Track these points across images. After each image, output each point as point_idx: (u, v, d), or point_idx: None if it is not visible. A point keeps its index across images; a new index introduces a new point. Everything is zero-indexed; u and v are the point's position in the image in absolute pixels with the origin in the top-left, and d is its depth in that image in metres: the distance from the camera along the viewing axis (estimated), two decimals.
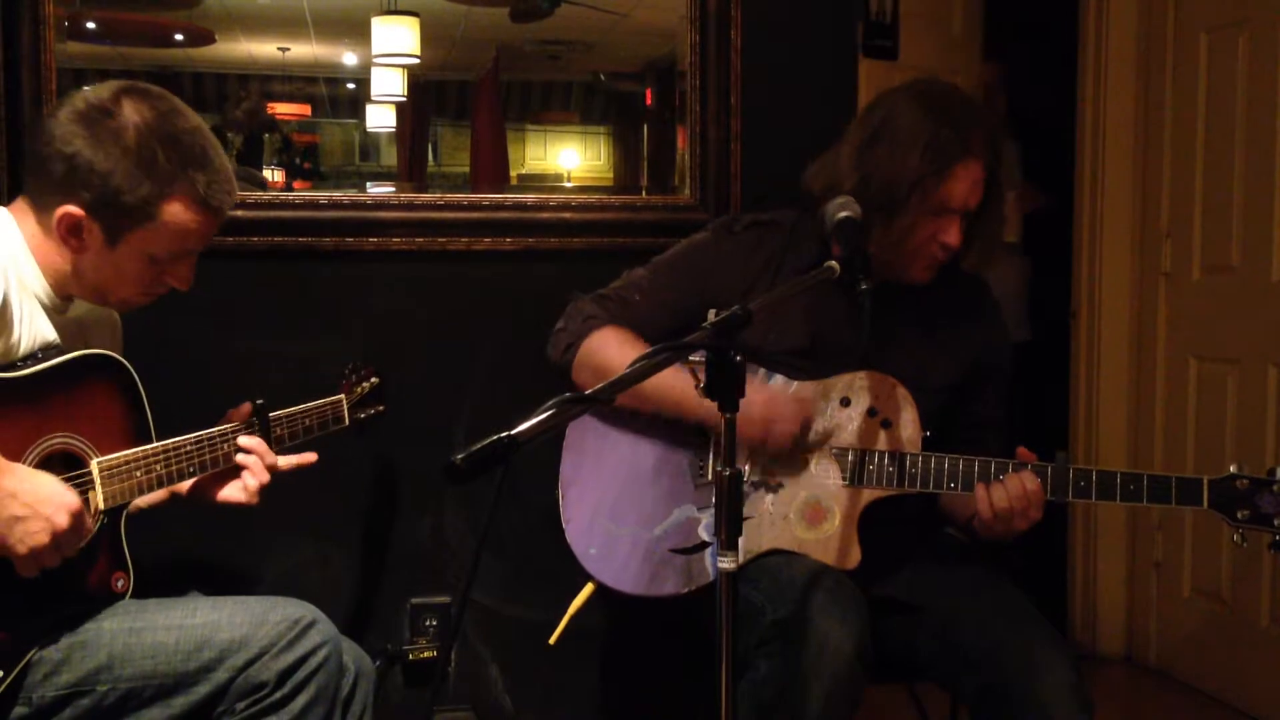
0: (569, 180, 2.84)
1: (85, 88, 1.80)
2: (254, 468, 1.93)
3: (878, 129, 2.06)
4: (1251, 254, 3.48)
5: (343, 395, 2.15)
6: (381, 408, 2.26)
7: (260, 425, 1.96)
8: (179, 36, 2.57)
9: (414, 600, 2.63)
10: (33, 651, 1.68)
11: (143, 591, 1.84)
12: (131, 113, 1.73)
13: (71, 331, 1.84)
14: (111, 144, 1.71)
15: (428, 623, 2.62)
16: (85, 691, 1.70)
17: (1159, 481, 1.93)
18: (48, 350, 1.75)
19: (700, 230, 2.32)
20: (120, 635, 1.73)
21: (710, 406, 2.01)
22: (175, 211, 1.75)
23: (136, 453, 1.78)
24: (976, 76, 4.20)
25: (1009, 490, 1.97)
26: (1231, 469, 1.92)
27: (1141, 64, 3.90)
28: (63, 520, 1.60)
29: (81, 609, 1.75)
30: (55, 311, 1.81)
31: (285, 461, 1.98)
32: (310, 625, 1.78)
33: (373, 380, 2.24)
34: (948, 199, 2.01)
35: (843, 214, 1.92)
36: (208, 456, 1.89)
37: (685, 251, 2.27)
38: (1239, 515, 1.90)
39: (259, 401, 1.97)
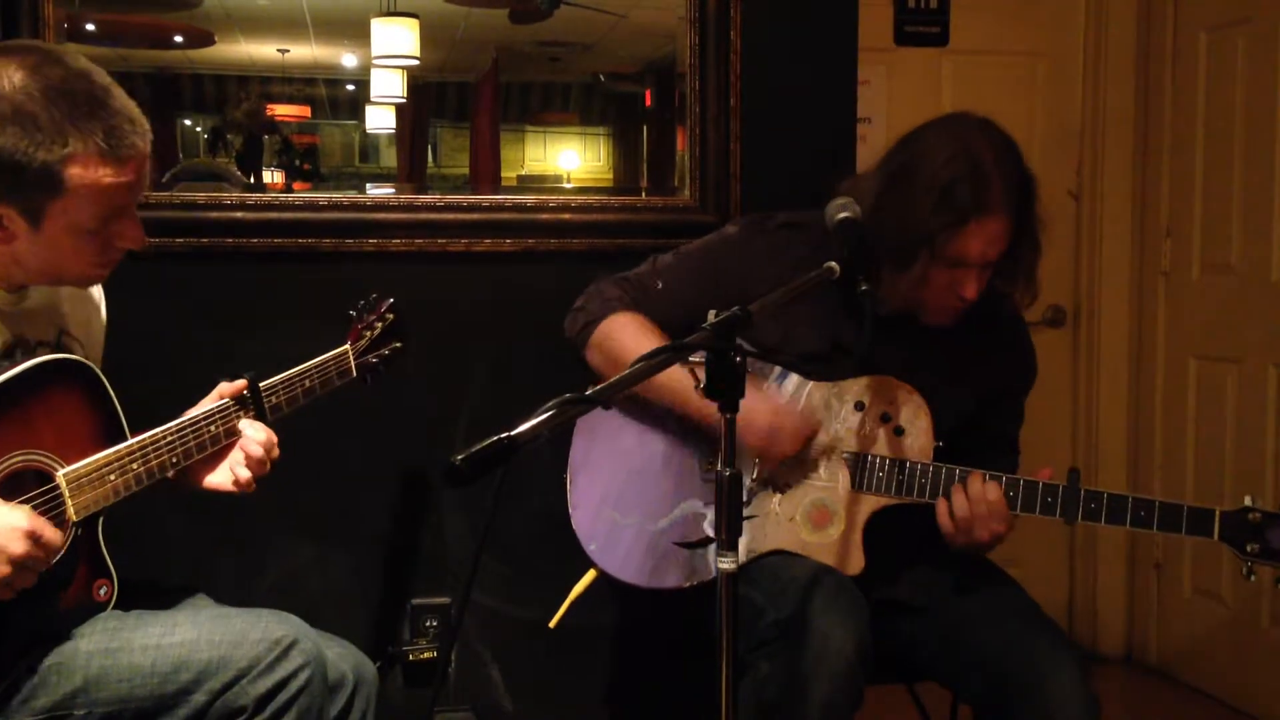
0: (569, 181, 2.84)
1: None
2: (253, 459, 1.81)
3: (901, 168, 2.00)
4: (1251, 253, 3.48)
5: (348, 345, 2.01)
6: (399, 345, 2.10)
7: (253, 399, 1.85)
8: (178, 38, 2.57)
9: (414, 601, 2.63)
10: (8, 676, 1.63)
11: (136, 595, 1.79)
12: (1, 77, 1.55)
13: (38, 323, 1.75)
14: None
15: (428, 623, 2.62)
16: (62, 715, 1.65)
17: (1170, 509, 1.91)
18: None
19: (729, 224, 2.31)
20: (96, 657, 1.66)
21: (710, 406, 2.03)
22: (80, 173, 1.58)
23: (107, 455, 1.68)
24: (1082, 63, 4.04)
25: (970, 495, 1.96)
26: (1245, 501, 1.89)
27: (1141, 63, 3.90)
28: (17, 547, 1.52)
29: (62, 624, 1.69)
30: (9, 305, 1.71)
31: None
32: (291, 645, 1.69)
33: (387, 317, 2.09)
34: (962, 255, 1.95)
35: (842, 214, 1.92)
36: (192, 444, 1.77)
37: (715, 245, 2.24)
38: (1249, 549, 1.88)
39: (250, 374, 1.86)
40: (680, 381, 2.06)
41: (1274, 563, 1.88)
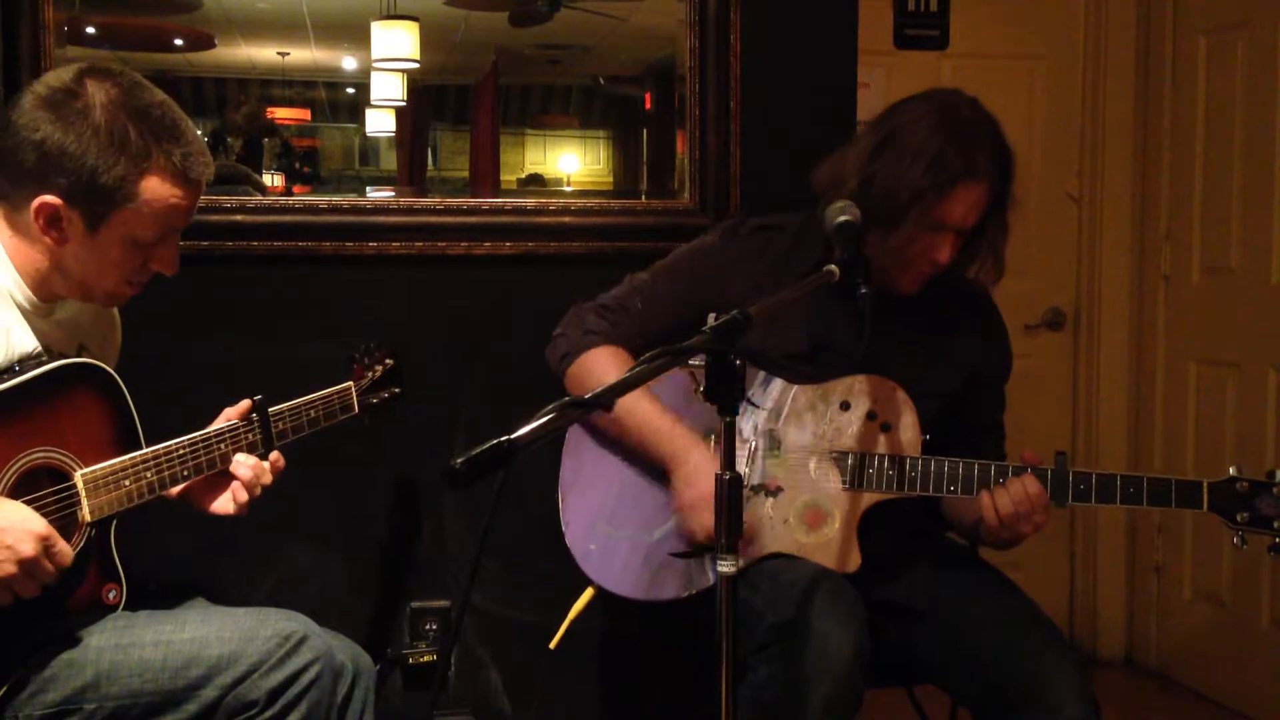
0: (569, 184, 2.84)
1: (46, 74, 1.75)
2: (248, 484, 1.87)
3: (888, 136, 2.05)
4: (1251, 256, 3.49)
5: (351, 382, 2.08)
6: (398, 390, 2.19)
7: (261, 422, 1.90)
8: (179, 41, 2.57)
9: (414, 604, 2.63)
10: (19, 671, 1.65)
11: (141, 597, 1.81)
12: (96, 91, 1.67)
13: (61, 335, 1.80)
14: (81, 124, 1.65)
15: (427, 627, 2.62)
16: (72, 710, 1.67)
17: (1159, 484, 1.93)
18: (25, 362, 1.70)
19: (704, 234, 2.32)
20: (107, 652, 1.69)
21: (673, 446, 2.05)
22: (154, 187, 1.69)
23: (124, 461, 1.74)
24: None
25: (1012, 495, 1.96)
26: (1231, 471, 1.92)
27: (1140, 67, 3.90)
28: (28, 548, 1.55)
29: (71, 624, 1.71)
30: (39, 315, 1.76)
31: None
32: (301, 641, 1.73)
33: (387, 363, 2.16)
34: (945, 216, 2.00)
35: (842, 218, 1.92)
36: (203, 459, 1.83)
37: (689, 255, 2.26)
38: (1239, 518, 1.90)
39: (258, 397, 1.91)
40: (649, 420, 2.08)
41: (1265, 530, 1.90)
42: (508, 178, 2.79)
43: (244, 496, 1.86)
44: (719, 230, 2.29)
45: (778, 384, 2.12)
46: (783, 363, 2.12)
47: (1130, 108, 3.92)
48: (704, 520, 2.00)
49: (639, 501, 2.14)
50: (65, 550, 1.62)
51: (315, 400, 2.00)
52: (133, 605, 1.79)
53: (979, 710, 2.05)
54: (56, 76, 1.71)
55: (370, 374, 2.13)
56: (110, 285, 1.78)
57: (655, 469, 2.14)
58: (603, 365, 2.15)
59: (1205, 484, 1.92)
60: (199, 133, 1.78)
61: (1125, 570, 4.02)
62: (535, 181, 2.82)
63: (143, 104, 1.70)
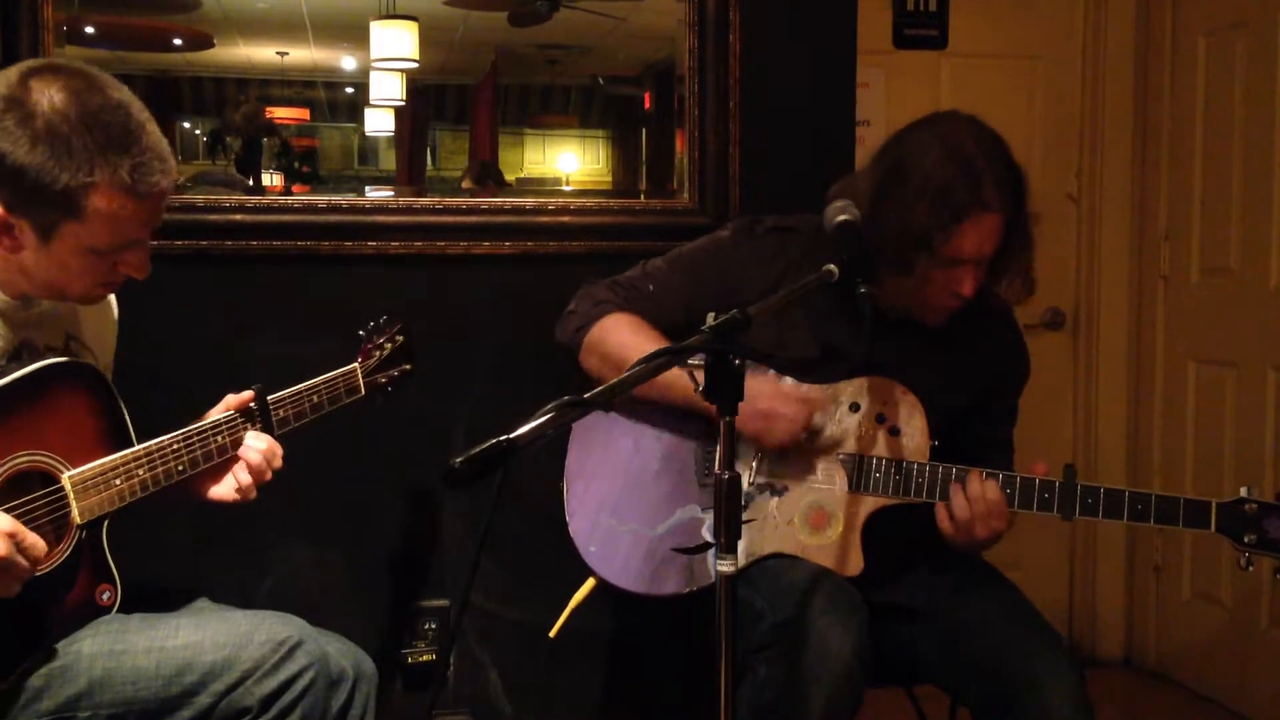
0: (568, 184, 2.84)
1: None
2: (256, 467, 1.82)
3: (893, 169, 2.00)
4: (1250, 257, 3.49)
5: (356, 364, 2.02)
6: (408, 366, 2.11)
7: (260, 412, 1.86)
8: (177, 41, 2.57)
9: (414, 603, 2.63)
10: (11, 679, 1.63)
11: (138, 598, 1.79)
12: (40, 97, 1.56)
13: (45, 328, 1.75)
14: (20, 134, 1.55)
15: (427, 626, 2.62)
16: (66, 718, 1.66)
17: (1166, 502, 1.91)
18: (5, 366, 1.65)
19: (720, 229, 2.31)
20: (100, 660, 1.67)
21: None
22: (100, 202, 1.59)
23: (113, 460, 1.69)
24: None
25: (969, 496, 1.96)
26: (1241, 492, 1.90)
27: (1139, 67, 3.90)
28: None
29: (64, 629, 1.69)
30: (16, 313, 1.71)
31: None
32: (296, 646, 1.71)
33: (397, 339, 2.09)
34: (957, 253, 1.96)
35: (841, 218, 1.91)
36: (199, 452, 1.78)
37: (705, 249, 2.25)
38: (1246, 539, 1.88)
39: (257, 387, 1.86)
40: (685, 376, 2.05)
41: (1272, 553, 1.89)
42: (506, 177, 2.78)
43: (246, 479, 1.82)
44: (736, 227, 2.27)
45: (787, 383, 2.11)
46: (792, 366, 2.11)
47: (1129, 108, 3.92)
48: (776, 432, 2.01)
49: (644, 495, 2.13)
50: (37, 543, 1.56)
51: (318, 385, 1.95)
52: (129, 606, 1.77)
53: (978, 710, 2.05)
54: (4, 80, 1.59)
55: (379, 352, 2.06)
56: (80, 289, 1.72)
57: (662, 460, 2.14)
58: (620, 329, 2.13)
59: (1214, 504, 1.90)
60: (160, 138, 1.65)
61: (1125, 570, 4.02)
62: (526, 184, 2.80)
63: (92, 109, 1.59)
